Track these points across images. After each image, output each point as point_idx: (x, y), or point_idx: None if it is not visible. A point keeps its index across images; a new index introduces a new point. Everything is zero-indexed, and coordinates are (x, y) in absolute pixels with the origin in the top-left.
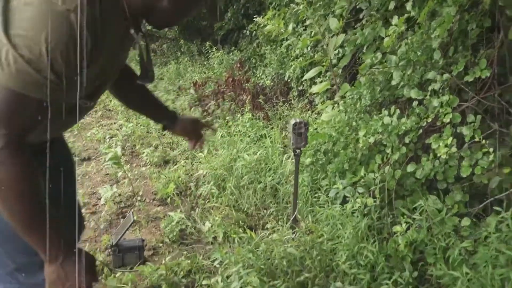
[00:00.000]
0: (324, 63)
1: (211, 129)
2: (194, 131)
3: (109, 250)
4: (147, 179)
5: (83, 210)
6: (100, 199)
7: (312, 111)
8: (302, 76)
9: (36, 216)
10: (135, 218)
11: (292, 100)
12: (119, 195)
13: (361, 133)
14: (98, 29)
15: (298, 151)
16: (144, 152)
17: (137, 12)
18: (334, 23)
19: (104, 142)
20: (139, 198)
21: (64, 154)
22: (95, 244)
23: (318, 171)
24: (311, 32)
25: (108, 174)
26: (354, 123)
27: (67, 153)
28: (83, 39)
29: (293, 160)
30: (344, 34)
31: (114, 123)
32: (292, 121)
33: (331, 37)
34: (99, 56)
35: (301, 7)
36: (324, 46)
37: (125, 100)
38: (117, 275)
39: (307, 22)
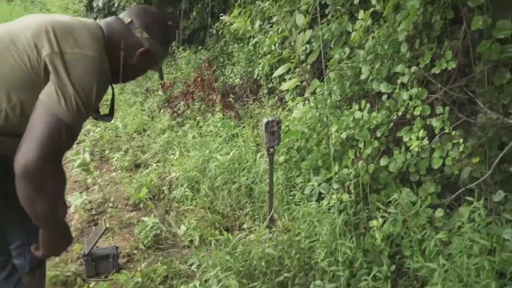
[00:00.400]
0: (292, 60)
1: None
2: None
3: (82, 260)
4: (118, 184)
5: None
6: (69, 207)
7: (283, 108)
8: (271, 74)
9: (59, 204)
10: (108, 225)
11: (262, 97)
12: (90, 202)
13: (333, 129)
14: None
15: (271, 150)
16: (114, 157)
17: (114, 68)
18: (300, 19)
19: (71, 148)
20: (110, 204)
21: None
22: (66, 254)
23: (292, 168)
24: (278, 29)
25: (77, 181)
26: (325, 119)
27: None
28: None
29: (267, 158)
30: (311, 30)
31: None
32: (265, 120)
33: (298, 33)
34: None
35: (266, 4)
36: (292, 43)
37: None
38: (91, 285)
39: (274, 19)
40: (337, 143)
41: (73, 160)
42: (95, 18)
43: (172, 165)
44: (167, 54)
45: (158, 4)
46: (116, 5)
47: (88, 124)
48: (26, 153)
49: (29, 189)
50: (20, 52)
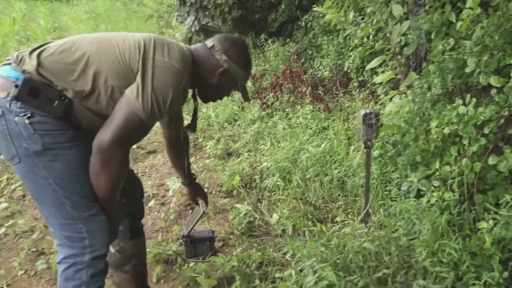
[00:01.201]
0: (387, 52)
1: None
2: (195, 199)
3: (181, 241)
4: (211, 171)
5: (152, 201)
6: (168, 190)
7: (375, 102)
8: (362, 67)
9: (117, 189)
10: (204, 209)
11: (353, 91)
12: None
13: (434, 124)
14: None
15: (369, 142)
16: (207, 145)
17: (196, 85)
18: (397, 9)
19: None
20: (205, 190)
21: None
22: (167, 234)
23: (387, 163)
24: (372, 20)
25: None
26: (424, 114)
27: None
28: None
29: (359, 152)
30: (408, 20)
31: None
32: (362, 112)
33: (395, 24)
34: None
35: None
36: (387, 34)
37: (172, 154)
38: (190, 265)
39: (368, 10)
40: (438, 139)
41: None
42: (188, 12)
43: (263, 155)
44: (248, 76)
45: None
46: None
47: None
48: (103, 133)
49: (97, 162)
50: (126, 48)
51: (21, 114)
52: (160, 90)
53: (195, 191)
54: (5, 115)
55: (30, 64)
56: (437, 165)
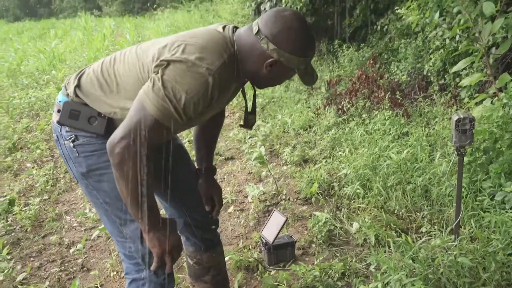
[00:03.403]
0: (476, 53)
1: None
2: (209, 195)
3: (261, 247)
4: (288, 178)
5: (231, 207)
6: (246, 197)
7: (458, 107)
8: (444, 69)
9: (139, 196)
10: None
11: (433, 95)
12: (264, 193)
13: None
14: (221, 88)
15: (462, 150)
16: (283, 152)
17: (246, 76)
18: (489, 7)
19: (245, 142)
20: (283, 197)
21: (175, 145)
22: (246, 241)
23: (477, 171)
24: (459, 20)
25: (251, 173)
26: None
27: (177, 144)
28: (212, 96)
29: (445, 159)
30: (503, 18)
31: None
32: (455, 117)
33: (485, 23)
34: (215, 104)
35: None
36: (476, 34)
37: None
38: (271, 273)
39: (454, 10)
40: None
41: (248, 153)
42: None
43: (340, 162)
44: (308, 61)
45: (322, 4)
46: (283, 6)
47: (259, 120)
48: (115, 131)
49: (112, 166)
50: (146, 61)
51: (67, 138)
52: (172, 90)
53: (211, 186)
54: (59, 139)
55: (71, 86)
56: None
